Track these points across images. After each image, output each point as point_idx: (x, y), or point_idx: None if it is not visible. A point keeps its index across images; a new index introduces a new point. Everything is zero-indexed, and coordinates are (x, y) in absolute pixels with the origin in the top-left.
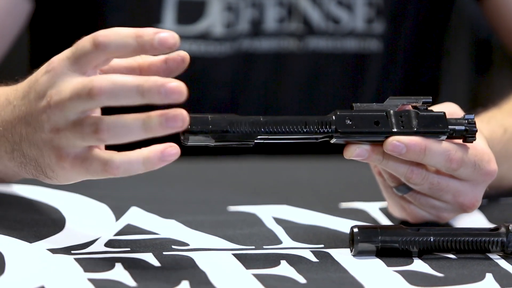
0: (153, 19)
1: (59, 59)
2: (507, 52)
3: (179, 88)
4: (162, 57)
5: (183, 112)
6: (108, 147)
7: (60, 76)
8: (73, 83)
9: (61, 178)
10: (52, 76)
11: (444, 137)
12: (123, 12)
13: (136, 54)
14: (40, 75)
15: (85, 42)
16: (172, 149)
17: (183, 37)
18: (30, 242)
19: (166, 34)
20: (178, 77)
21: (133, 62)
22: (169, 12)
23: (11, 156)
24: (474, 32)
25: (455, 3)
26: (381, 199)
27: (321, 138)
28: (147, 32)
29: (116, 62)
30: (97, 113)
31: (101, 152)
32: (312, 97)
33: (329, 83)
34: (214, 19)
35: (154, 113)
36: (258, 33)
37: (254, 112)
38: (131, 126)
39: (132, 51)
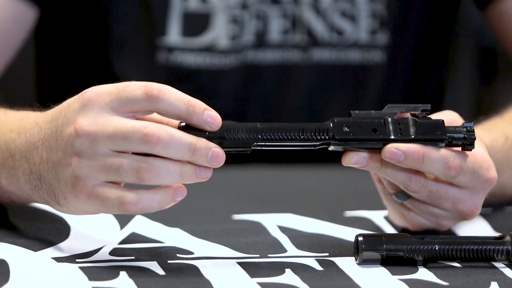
0: (158, 31)
1: (97, 93)
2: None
3: (221, 155)
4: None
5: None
6: None
7: (96, 109)
8: (116, 121)
9: (72, 208)
10: (86, 106)
11: (442, 144)
12: (128, 24)
13: (180, 119)
14: (72, 102)
15: (136, 88)
16: (182, 190)
17: (188, 50)
18: (35, 251)
19: (214, 114)
20: (185, 89)
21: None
22: (174, 24)
23: (28, 178)
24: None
25: (459, 13)
26: (386, 207)
27: (319, 145)
28: (199, 105)
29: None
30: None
31: (119, 187)
32: (316, 108)
33: (333, 94)
34: (219, 31)
35: (189, 164)
36: (263, 45)
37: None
38: (171, 170)
39: (179, 115)
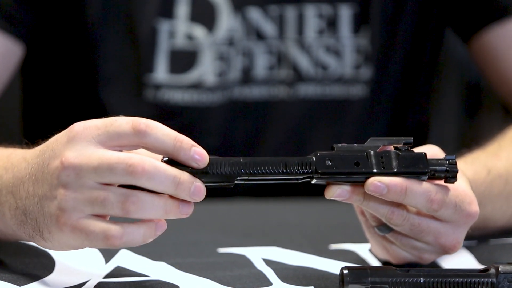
0: (145, 68)
1: (85, 127)
2: (496, 94)
3: (203, 189)
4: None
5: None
6: None
7: (82, 142)
8: (101, 153)
9: (55, 242)
10: (73, 140)
11: (425, 177)
12: (116, 61)
13: (167, 154)
14: (60, 136)
15: (123, 123)
16: (163, 224)
17: (175, 87)
18: (20, 285)
19: (201, 150)
20: (172, 125)
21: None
22: (162, 62)
23: (13, 213)
24: (463, 75)
25: (442, 47)
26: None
27: (302, 179)
28: (186, 141)
29: None
30: None
31: (104, 220)
32: (301, 142)
33: (317, 129)
34: (206, 68)
35: (172, 199)
36: (249, 81)
37: None
38: (156, 204)
39: (166, 150)
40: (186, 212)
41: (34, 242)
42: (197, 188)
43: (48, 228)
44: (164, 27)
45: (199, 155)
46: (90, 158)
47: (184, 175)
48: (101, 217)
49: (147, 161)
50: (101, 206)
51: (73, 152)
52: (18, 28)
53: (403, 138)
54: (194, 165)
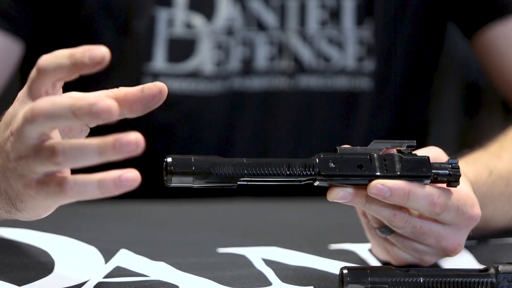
0: (144, 57)
1: (22, 90)
2: (497, 91)
3: (108, 107)
4: (138, 87)
5: (137, 137)
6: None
7: (20, 105)
8: (24, 109)
9: (30, 210)
10: (15, 106)
11: (427, 181)
12: (114, 51)
13: (72, 73)
14: (10, 108)
15: (33, 70)
16: (130, 175)
17: (173, 75)
18: (19, 286)
19: (96, 48)
20: (170, 115)
21: (109, 93)
22: (160, 50)
23: None
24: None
25: (445, 42)
26: (369, 241)
27: (304, 180)
28: (79, 50)
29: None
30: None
31: (59, 175)
32: (302, 135)
33: (319, 121)
34: (204, 57)
35: (109, 137)
36: (249, 72)
37: (245, 150)
38: (86, 149)
39: (68, 71)
40: (127, 145)
41: (13, 217)
42: (102, 107)
43: (19, 197)
44: (162, 15)
45: (93, 54)
46: (20, 117)
47: (82, 99)
48: (58, 173)
49: (46, 99)
50: (40, 164)
51: (15, 117)
52: (17, 27)
53: (406, 141)
54: (102, 118)
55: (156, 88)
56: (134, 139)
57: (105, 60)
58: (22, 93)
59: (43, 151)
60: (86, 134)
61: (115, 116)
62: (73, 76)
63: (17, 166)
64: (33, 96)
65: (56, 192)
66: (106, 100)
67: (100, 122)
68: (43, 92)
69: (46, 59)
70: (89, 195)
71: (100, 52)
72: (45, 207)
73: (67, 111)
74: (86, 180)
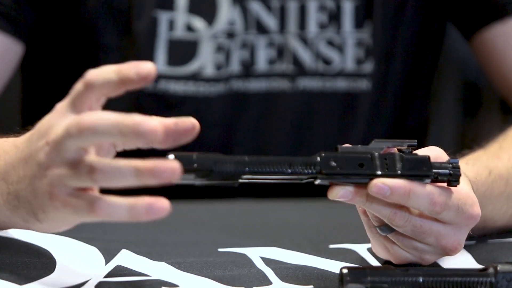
0: (145, 60)
1: (61, 102)
2: (496, 91)
3: (154, 128)
4: (172, 120)
5: (175, 165)
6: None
7: (60, 117)
8: (67, 121)
9: (51, 222)
10: (53, 117)
11: (428, 180)
12: (115, 54)
13: (118, 88)
14: (45, 117)
15: (78, 83)
16: (162, 205)
17: (174, 78)
18: (20, 285)
19: (142, 64)
20: (171, 117)
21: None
22: (161, 53)
23: (6, 199)
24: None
25: (444, 44)
26: (369, 240)
27: (306, 179)
28: (126, 66)
29: None
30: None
31: (90, 192)
32: (303, 136)
33: (319, 123)
34: (205, 59)
35: (148, 162)
36: (250, 75)
37: (245, 151)
38: (124, 170)
39: (115, 86)
40: (164, 171)
41: (29, 228)
42: (148, 127)
43: (42, 208)
44: (163, 18)
45: (140, 69)
46: (61, 129)
47: (127, 119)
48: (89, 190)
49: (94, 113)
50: (76, 178)
51: (53, 128)
52: (18, 27)
53: (407, 140)
54: (147, 139)
55: (190, 123)
56: (172, 167)
57: (151, 75)
58: (62, 105)
59: (81, 166)
60: (113, 155)
61: (160, 138)
62: (119, 92)
63: (47, 176)
64: (76, 109)
65: (85, 209)
66: (153, 121)
67: (142, 143)
68: (87, 106)
69: (94, 74)
70: (118, 217)
71: (147, 67)
72: (68, 220)
73: (114, 128)
74: (118, 203)
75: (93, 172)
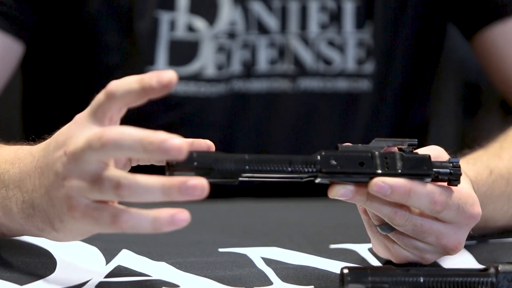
0: (146, 61)
1: (82, 113)
2: (497, 91)
3: (179, 146)
4: (189, 140)
5: (203, 182)
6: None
7: (80, 128)
8: (88, 133)
9: (67, 231)
10: (73, 128)
11: (428, 179)
12: (116, 54)
13: (140, 98)
14: (64, 127)
15: (100, 94)
16: (183, 216)
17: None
18: (21, 285)
19: (163, 72)
20: (172, 117)
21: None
22: (162, 54)
23: (20, 207)
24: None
25: (445, 44)
26: (370, 239)
27: (306, 177)
28: (147, 75)
29: None
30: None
31: (112, 204)
32: (304, 136)
33: (320, 123)
34: (206, 60)
35: (175, 179)
36: (251, 75)
37: (246, 151)
38: (152, 187)
39: (137, 95)
40: (192, 189)
41: (44, 236)
42: (172, 145)
43: (59, 217)
44: (164, 18)
45: (160, 78)
46: (81, 141)
47: (152, 135)
48: (109, 202)
49: (116, 128)
50: (98, 192)
51: (72, 139)
52: (18, 27)
53: (407, 139)
54: (170, 156)
55: (205, 145)
56: (200, 185)
57: (173, 83)
58: (82, 116)
59: (106, 181)
60: (129, 169)
61: (183, 156)
62: (141, 101)
63: (65, 186)
64: (97, 120)
65: (107, 221)
66: (177, 139)
67: (163, 159)
68: (108, 117)
69: (115, 84)
70: (141, 229)
71: (168, 75)
72: (86, 231)
73: (137, 143)
74: (141, 215)
75: (119, 187)
